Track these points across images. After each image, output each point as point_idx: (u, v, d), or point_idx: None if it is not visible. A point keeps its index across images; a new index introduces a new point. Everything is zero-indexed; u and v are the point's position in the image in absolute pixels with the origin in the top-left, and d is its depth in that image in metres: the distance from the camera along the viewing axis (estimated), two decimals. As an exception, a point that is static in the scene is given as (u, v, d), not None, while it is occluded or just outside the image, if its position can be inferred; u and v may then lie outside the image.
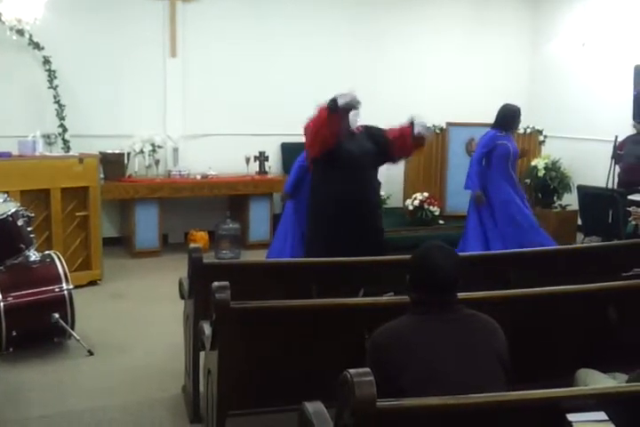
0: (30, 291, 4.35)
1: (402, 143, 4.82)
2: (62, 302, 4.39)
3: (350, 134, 4.73)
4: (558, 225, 7.40)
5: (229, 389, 2.88)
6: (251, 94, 7.46)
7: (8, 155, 5.57)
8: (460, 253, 2.70)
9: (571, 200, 7.44)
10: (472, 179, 6.05)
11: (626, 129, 6.87)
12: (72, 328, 4.43)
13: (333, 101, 4.41)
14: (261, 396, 2.95)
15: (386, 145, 4.81)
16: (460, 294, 2.43)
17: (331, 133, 4.47)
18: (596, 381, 2.63)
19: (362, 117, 4.79)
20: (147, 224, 6.81)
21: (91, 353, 4.39)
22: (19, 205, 4.62)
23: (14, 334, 4.22)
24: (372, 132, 4.87)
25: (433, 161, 7.68)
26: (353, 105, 4.48)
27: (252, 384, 2.91)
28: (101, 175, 6.25)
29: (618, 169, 6.72)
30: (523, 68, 8.69)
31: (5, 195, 4.67)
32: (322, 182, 4.76)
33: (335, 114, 4.43)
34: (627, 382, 2.40)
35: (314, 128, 4.55)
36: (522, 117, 6.08)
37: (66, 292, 4.42)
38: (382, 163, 4.97)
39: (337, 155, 4.59)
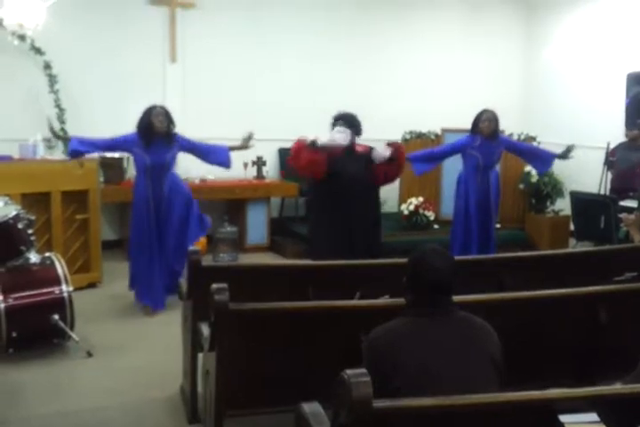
0: (30, 293, 4.38)
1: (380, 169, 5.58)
2: (62, 303, 4.42)
3: (350, 154, 5.40)
4: (551, 230, 7.47)
5: (227, 390, 2.92)
6: (249, 99, 7.52)
7: (9, 158, 5.63)
8: (456, 257, 2.75)
9: (564, 206, 7.48)
10: None
11: (618, 136, 6.91)
12: (71, 330, 4.45)
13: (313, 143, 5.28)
14: (259, 397, 2.99)
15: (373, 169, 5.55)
16: (455, 297, 2.47)
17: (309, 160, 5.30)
18: None
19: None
20: (145, 227, 6.83)
21: (90, 354, 4.42)
22: (19, 208, 4.64)
23: (14, 335, 4.25)
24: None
25: (428, 166, 7.75)
26: (329, 149, 5.30)
27: (250, 385, 2.95)
28: (101, 179, 6.27)
29: (610, 175, 6.79)
30: (516, 74, 8.76)
31: (6, 198, 4.70)
32: (320, 199, 5.53)
33: (313, 149, 5.29)
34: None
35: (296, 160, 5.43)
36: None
37: (66, 294, 4.45)
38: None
39: (333, 175, 5.33)
